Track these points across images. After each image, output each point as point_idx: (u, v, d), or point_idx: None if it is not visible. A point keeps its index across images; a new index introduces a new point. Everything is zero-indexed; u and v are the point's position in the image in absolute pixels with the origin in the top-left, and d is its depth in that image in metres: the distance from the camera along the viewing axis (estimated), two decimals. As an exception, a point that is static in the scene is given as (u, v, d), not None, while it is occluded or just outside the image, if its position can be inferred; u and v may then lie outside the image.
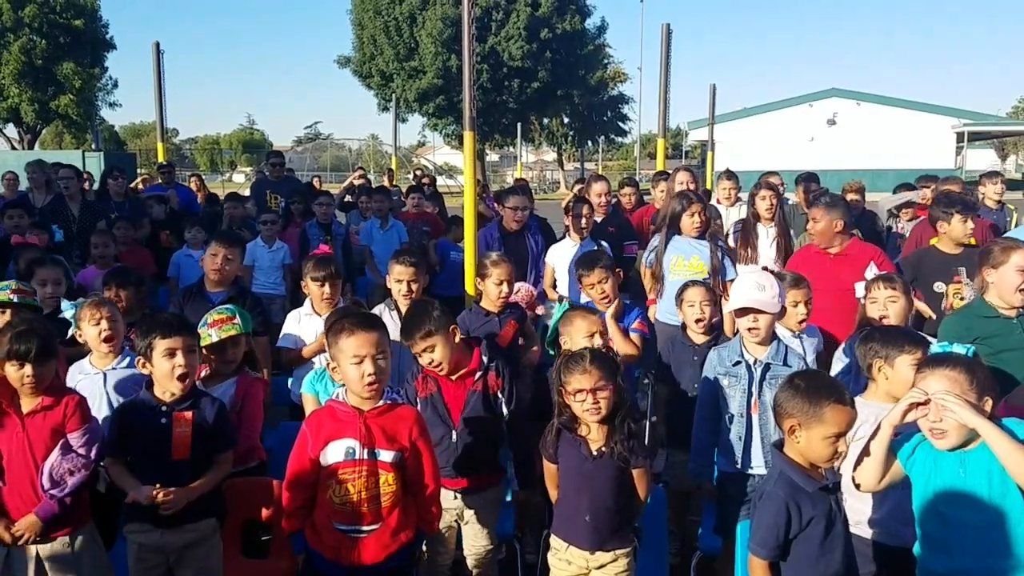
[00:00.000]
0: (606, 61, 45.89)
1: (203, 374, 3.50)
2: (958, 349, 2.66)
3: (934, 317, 4.65)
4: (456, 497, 3.42)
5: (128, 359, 3.55)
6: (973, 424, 2.42)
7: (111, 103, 41.32)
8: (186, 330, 3.11)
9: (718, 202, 7.35)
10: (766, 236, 6.13)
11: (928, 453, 2.60)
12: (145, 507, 2.90)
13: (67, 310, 3.77)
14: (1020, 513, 2.47)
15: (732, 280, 4.51)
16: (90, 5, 36.39)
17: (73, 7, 35.42)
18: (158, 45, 11.22)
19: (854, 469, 2.72)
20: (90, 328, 3.62)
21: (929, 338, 3.24)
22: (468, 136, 5.14)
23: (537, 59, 34.57)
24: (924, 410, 2.50)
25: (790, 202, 7.87)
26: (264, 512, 3.40)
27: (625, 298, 4.77)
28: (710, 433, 3.58)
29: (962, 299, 4.63)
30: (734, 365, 3.52)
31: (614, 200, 7.33)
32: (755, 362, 3.47)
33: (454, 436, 3.36)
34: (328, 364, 2.95)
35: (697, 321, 4.13)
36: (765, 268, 4.75)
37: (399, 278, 4.25)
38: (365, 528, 2.82)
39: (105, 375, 3.60)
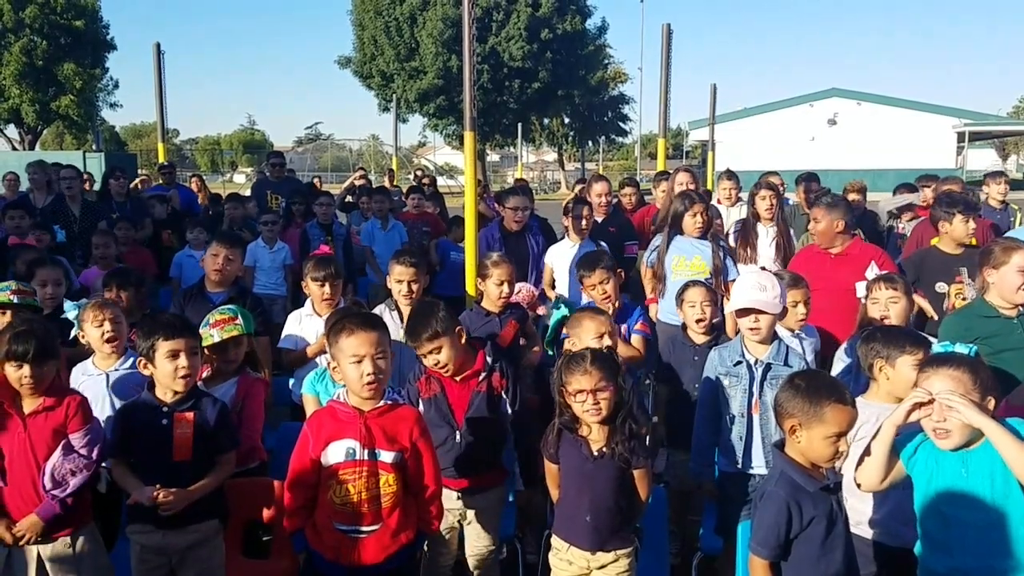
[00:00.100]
0: (607, 61, 45.91)
1: (205, 375, 3.50)
2: (960, 349, 2.66)
3: (936, 318, 4.65)
4: (459, 497, 3.42)
5: (131, 360, 3.55)
6: (978, 424, 2.42)
7: (112, 104, 41.42)
8: (188, 332, 3.11)
9: (718, 202, 7.35)
10: (766, 236, 6.13)
11: (930, 453, 2.60)
12: (147, 508, 2.90)
13: (70, 311, 3.77)
14: (1022, 513, 2.47)
15: (734, 280, 4.51)
16: (91, 6, 36.41)
17: (74, 8, 35.44)
18: (159, 46, 11.24)
19: (856, 469, 2.72)
20: (93, 330, 3.63)
21: (930, 338, 3.24)
22: (469, 136, 5.15)
23: (538, 59, 34.58)
24: (928, 410, 2.50)
25: (791, 202, 7.87)
26: (265, 513, 3.40)
27: (625, 298, 4.77)
28: (711, 433, 3.58)
29: (964, 299, 4.63)
30: (735, 365, 3.52)
31: (615, 200, 7.33)
32: (756, 362, 3.47)
33: (458, 436, 3.35)
34: (329, 364, 2.96)
35: (698, 321, 4.13)
36: (763, 268, 4.75)
37: (399, 278, 4.25)
38: (365, 528, 2.82)
39: (108, 376, 3.61)
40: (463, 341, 3.40)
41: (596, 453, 2.95)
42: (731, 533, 3.32)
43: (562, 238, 6.07)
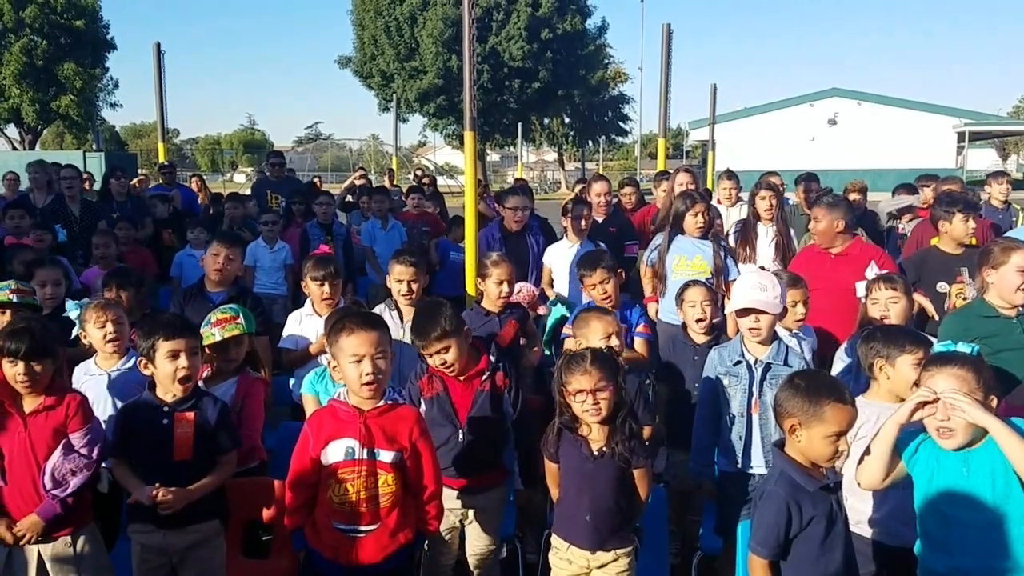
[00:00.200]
0: (607, 61, 45.90)
1: (205, 374, 3.50)
2: (963, 348, 2.66)
3: (937, 318, 4.65)
4: (460, 497, 3.42)
5: (133, 360, 3.55)
6: (984, 423, 2.42)
7: (112, 103, 41.38)
8: (189, 332, 3.12)
9: (718, 202, 7.34)
10: (765, 236, 6.13)
11: (931, 452, 2.60)
12: (148, 507, 2.90)
13: (72, 310, 3.78)
14: (1022, 514, 2.47)
15: (734, 280, 4.52)
16: (91, 6, 36.40)
17: (74, 8, 35.43)
18: (159, 45, 11.23)
19: (857, 468, 2.72)
20: (95, 330, 3.64)
21: (931, 338, 3.24)
22: (469, 136, 5.15)
23: (538, 59, 34.57)
24: (932, 409, 2.50)
25: (790, 202, 7.86)
26: (265, 513, 3.40)
27: (625, 298, 4.77)
28: (711, 433, 3.58)
29: (965, 299, 4.64)
30: (735, 365, 3.52)
31: (615, 200, 7.33)
32: (756, 362, 3.47)
33: (461, 436, 3.35)
34: (329, 363, 2.96)
35: (698, 321, 4.13)
36: (762, 268, 4.75)
37: (399, 278, 4.25)
38: (363, 528, 2.82)
39: (110, 376, 3.62)
40: (470, 341, 3.40)
41: (596, 453, 2.95)
42: (731, 533, 3.32)
43: (561, 238, 6.07)
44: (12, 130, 39.26)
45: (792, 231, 6.32)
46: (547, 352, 4.76)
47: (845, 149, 36.08)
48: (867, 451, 2.68)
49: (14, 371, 2.96)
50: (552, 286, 5.76)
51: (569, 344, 4.22)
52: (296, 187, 9.62)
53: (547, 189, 47.71)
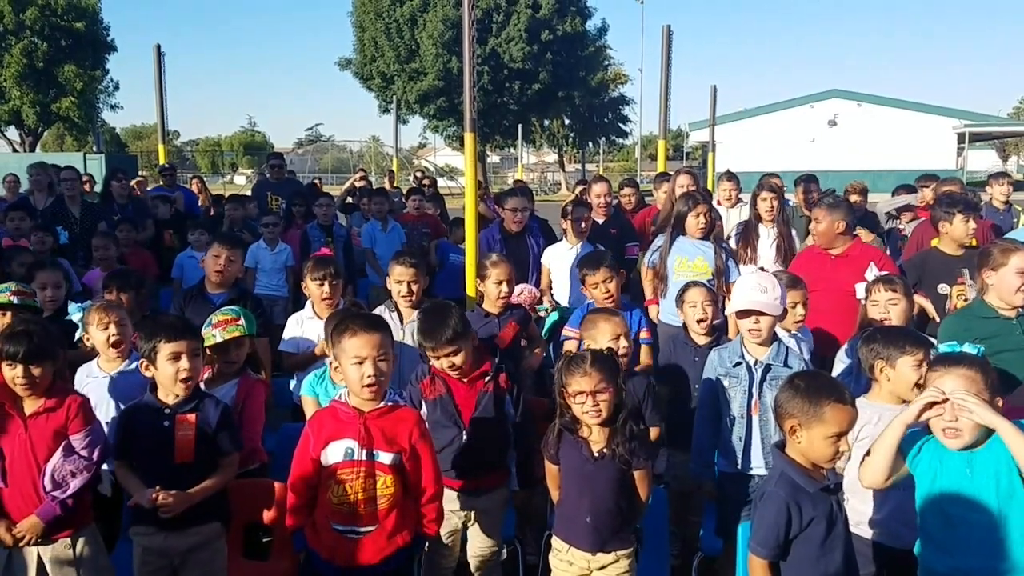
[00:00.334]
0: (607, 63, 45.92)
1: (206, 376, 3.50)
2: (968, 349, 2.66)
3: (938, 319, 4.65)
4: (464, 498, 3.42)
5: (136, 362, 3.55)
6: (993, 424, 2.42)
7: (112, 105, 41.46)
8: (190, 333, 3.12)
9: (718, 203, 7.34)
10: (767, 237, 6.13)
11: (934, 452, 2.60)
12: (149, 510, 2.90)
13: (75, 313, 3.77)
14: (1024, 515, 2.48)
15: (735, 281, 4.52)
16: (91, 8, 36.45)
17: (74, 10, 35.48)
18: (159, 47, 11.24)
19: (860, 468, 2.72)
20: (98, 332, 3.64)
21: (931, 339, 3.24)
22: (469, 138, 5.15)
23: (538, 61, 34.57)
24: (939, 409, 2.50)
25: (790, 204, 7.86)
26: (266, 514, 3.40)
27: (625, 300, 4.77)
28: (711, 434, 3.58)
29: (965, 300, 4.63)
30: (735, 366, 3.52)
31: (615, 202, 7.33)
32: (755, 363, 3.47)
33: (464, 437, 3.35)
34: (331, 363, 2.96)
35: (699, 322, 4.13)
36: (762, 269, 4.75)
37: (399, 279, 4.25)
38: (361, 529, 2.82)
39: (113, 378, 3.62)
40: (476, 344, 3.41)
41: (596, 454, 2.95)
42: (731, 534, 3.32)
43: (561, 240, 6.07)
44: (12, 132, 39.34)
45: (794, 232, 6.32)
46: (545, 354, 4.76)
47: (845, 150, 36.10)
48: (872, 450, 2.67)
49: (13, 374, 2.96)
50: (551, 288, 5.76)
51: (569, 346, 4.23)
52: (296, 189, 9.63)
53: (547, 190, 47.72)
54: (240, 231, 7.36)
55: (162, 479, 2.92)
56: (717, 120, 15.38)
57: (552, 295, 5.69)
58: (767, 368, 3.45)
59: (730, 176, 7.58)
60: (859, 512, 2.98)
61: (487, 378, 3.40)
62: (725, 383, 3.53)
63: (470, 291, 5.05)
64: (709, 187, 10.71)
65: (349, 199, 10.63)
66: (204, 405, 3.07)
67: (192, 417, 3.01)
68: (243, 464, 3.38)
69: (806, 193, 7.31)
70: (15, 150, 37.82)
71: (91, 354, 3.78)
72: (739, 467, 3.48)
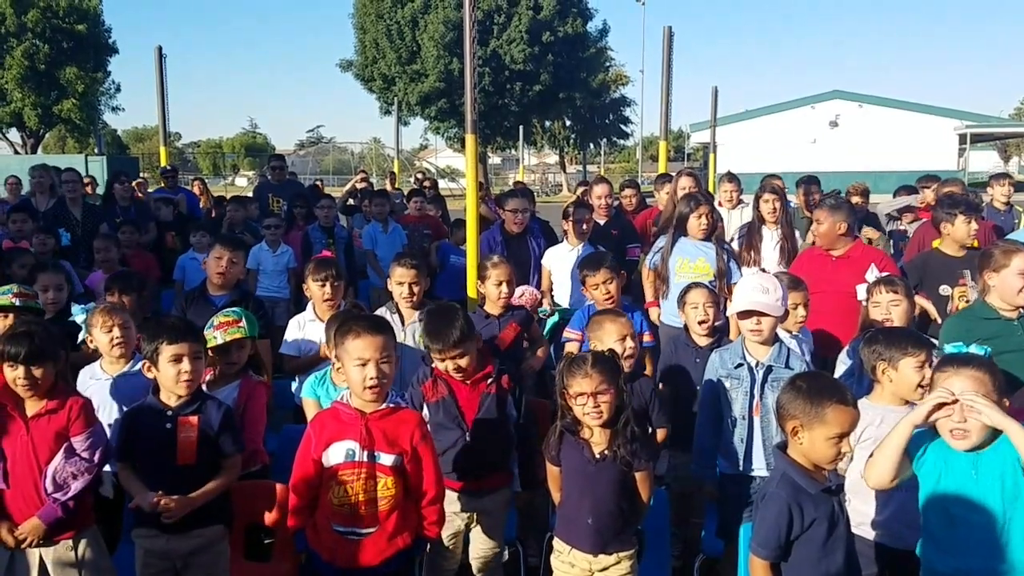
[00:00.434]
0: (608, 64, 45.93)
1: (208, 378, 3.50)
2: (975, 350, 2.66)
3: (939, 321, 4.65)
4: (467, 499, 3.42)
5: (139, 365, 3.54)
6: (1002, 425, 2.42)
7: (114, 107, 41.54)
8: (192, 335, 3.11)
9: (719, 204, 7.34)
10: (770, 239, 6.13)
11: (939, 453, 2.60)
12: (151, 512, 2.90)
13: (78, 314, 3.78)
14: (1028, 516, 2.47)
15: (737, 283, 4.51)
16: (93, 10, 36.49)
17: (76, 12, 35.53)
18: (160, 49, 11.27)
19: (864, 469, 2.71)
20: (102, 335, 3.64)
21: (933, 341, 3.23)
22: (470, 139, 5.15)
23: (539, 62, 34.58)
24: (948, 410, 2.50)
25: (791, 205, 7.86)
26: (267, 516, 3.40)
27: (625, 301, 4.77)
28: (712, 435, 3.58)
29: (967, 301, 4.63)
30: (736, 367, 3.51)
31: (616, 203, 7.33)
32: (757, 364, 3.47)
33: (467, 439, 3.35)
34: (333, 364, 2.96)
35: (700, 323, 4.12)
36: (763, 270, 4.75)
37: (400, 280, 4.26)
38: (362, 531, 2.82)
39: (115, 381, 3.62)
40: (480, 346, 3.41)
41: (598, 456, 2.94)
42: (732, 535, 3.32)
43: (562, 241, 6.07)
44: (14, 134, 39.38)
45: (797, 233, 6.32)
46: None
47: (846, 151, 36.10)
48: (879, 450, 2.67)
49: (14, 375, 2.97)
50: (551, 289, 5.76)
51: (570, 347, 4.23)
52: (298, 190, 9.63)
53: (548, 192, 47.72)
54: (242, 233, 7.37)
55: (164, 481, 2.92)
56: (718, 121, 15.40)
57: (552, 298, 5.69)
58: (768, 369, 3.44)
59: (731, 177, 7.57)
60: (861, 513, 2.98)
61: (490, 380, 3.40)
62: (726, 384, 3.53)
63: (471, 292, 5.05)
64: (710, 188, 10.72)
65: (350, 201, 10.64)
66: (206, 407, 3.07)
67: (194, 419, 3.01)
68: (245, 465, 3.38)
69: (807, 194, 7.30)
70: (16, 152, 37.88)
71: (94, 356, 3.78)
72: (740, 468, 3.47)
